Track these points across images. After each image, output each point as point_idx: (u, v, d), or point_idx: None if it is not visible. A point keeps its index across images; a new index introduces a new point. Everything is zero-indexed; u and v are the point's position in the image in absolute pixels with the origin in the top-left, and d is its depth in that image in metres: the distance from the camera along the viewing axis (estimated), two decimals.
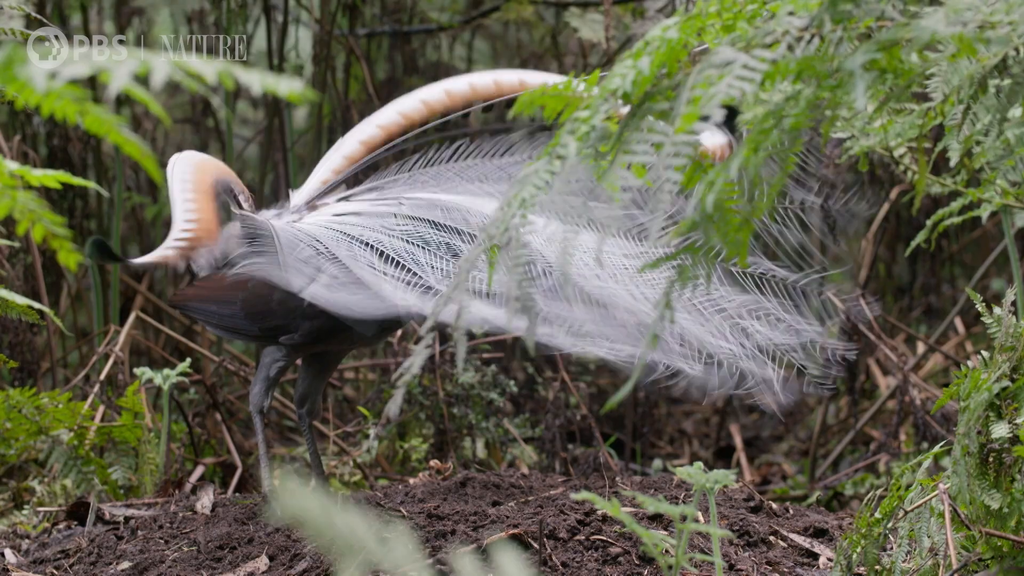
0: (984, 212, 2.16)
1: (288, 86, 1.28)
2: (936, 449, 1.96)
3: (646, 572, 2.08)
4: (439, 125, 2.36)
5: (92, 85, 3.35)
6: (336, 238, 2.20)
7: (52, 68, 1.31)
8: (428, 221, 2.22)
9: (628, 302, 2.10)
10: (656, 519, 2.24)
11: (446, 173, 2.30)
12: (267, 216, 2.31)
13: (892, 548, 1.91)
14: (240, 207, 2.30)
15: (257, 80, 1.29)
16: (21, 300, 2.26)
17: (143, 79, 1.32)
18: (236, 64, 1.33)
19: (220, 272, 2.34)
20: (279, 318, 2.29)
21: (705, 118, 1.27)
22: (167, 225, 3.71)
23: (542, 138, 2.31)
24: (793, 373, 2.16)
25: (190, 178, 2.26)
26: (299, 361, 2.46)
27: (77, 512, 2.57)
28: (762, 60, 1.29)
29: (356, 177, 2.39)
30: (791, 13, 1.35)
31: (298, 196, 2.36)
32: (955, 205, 2.18)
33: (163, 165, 3.78)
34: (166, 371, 2.67)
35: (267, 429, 3.23)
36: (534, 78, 2.35)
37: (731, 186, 1.33)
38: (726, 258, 1.35)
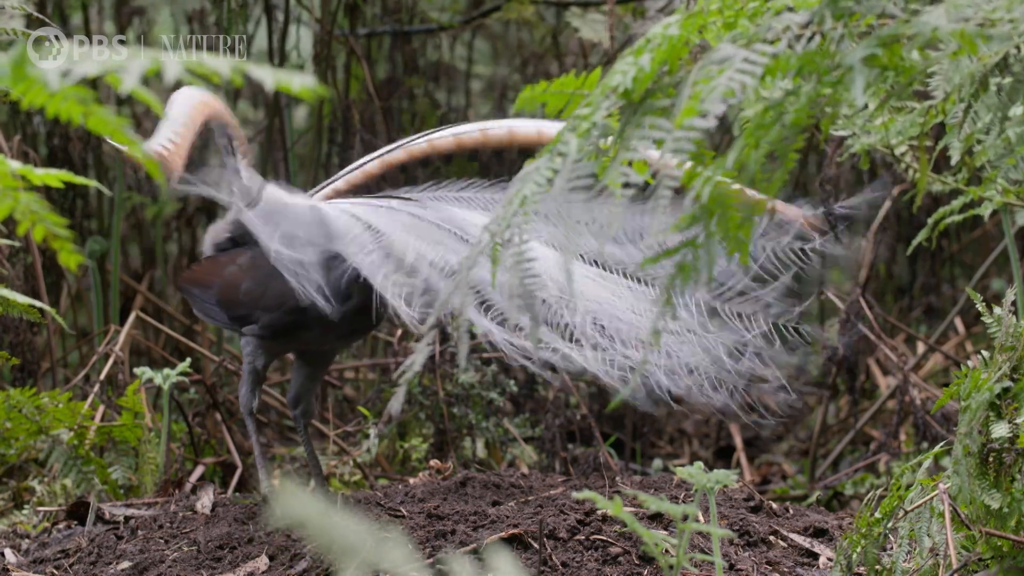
0: (985, 211, 2.16)
1: (301, 82, 1.28)
2: (936, 449, 1.96)
3: (646, 572, 2.08)
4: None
5: (94, 85, 3.35)
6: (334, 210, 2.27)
7: (63, 67, 1.31)
8: (417, 217, 2.26)
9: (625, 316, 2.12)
10: (656, 519, 2.24)
11: (446, 196, 2.32)
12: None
13: (892, 548, 1.91)
14: (233, 153, 2.35)
15: (270, 77, 1.29)
16: (22, 299, 2.26)
17: (149, 79, 1.32)
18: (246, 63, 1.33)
19: (211, 256, 2.39)
20: (244, 308, 2.33)
21: (704, 113, 1.27)
22: (167, 224, 3.72)
23: None
24: (791, 375, 2.16)
25: (187, 112, 2.31)
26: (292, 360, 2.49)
27: (77, 512, 2.56)
28: (763, 54, 1.29)
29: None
30: (792, 9, 1.35)
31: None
32: (956, 203, 2.18)
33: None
34: (166, 371, 2.68)
35: (267, 429, 3.23)
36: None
37: (730, 182, 1.33)
38: (727, 255, 1.35)
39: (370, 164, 2.38)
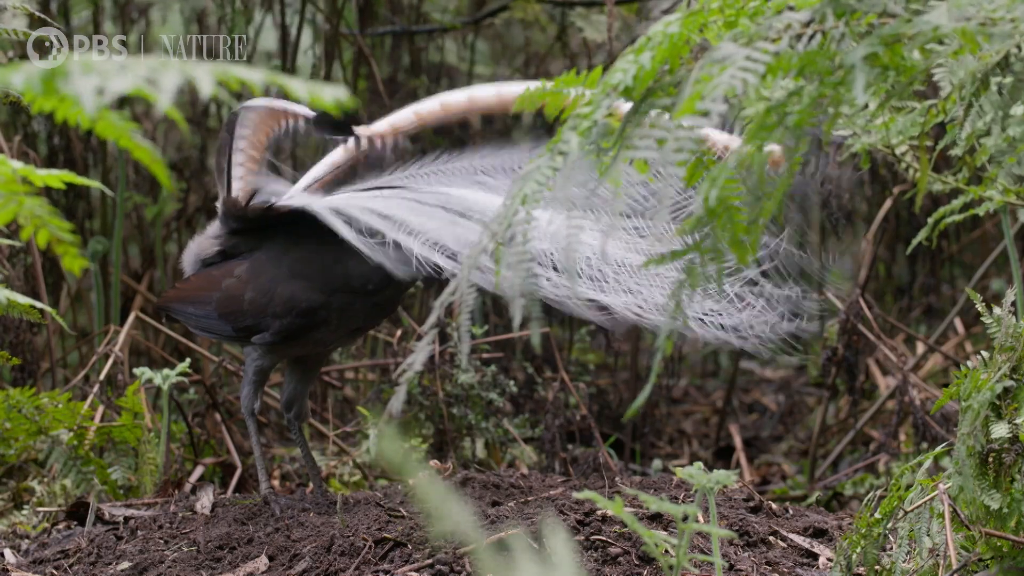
0: (984, 210, 2.16)
1: (333, 94, 1.27)
2: (936, 450, 1.96)
3: (645, 572, 2.08)
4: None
5: None
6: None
7: (98, 85, 1.26)
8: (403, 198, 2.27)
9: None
10: (655, 519, 2.24)
11: (418, 173, 2.33)
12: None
13: (892, 548, 1.91)
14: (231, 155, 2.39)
15: (303, 88, 1.28)
16: (23, 299, 2.26)
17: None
18: (282, 74, 1.32)
19: (201, 272, 2.39)
20: (250, 318, 2.33)
21: (705, 112, 1.27)
22: (167, 225, 3.72)
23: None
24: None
25: None
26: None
27: (77, 512, 2.56)
28: (765, 52, 1.29)
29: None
30: (793, 8, 1.35)
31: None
32: (956, 203, 2.18)
33: (171, 167, 3.77)
34: (166, 371, 2.67)
35: (267, 429, 3.23)
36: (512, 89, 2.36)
37: (735, 183, 1.33)
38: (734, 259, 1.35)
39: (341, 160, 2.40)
